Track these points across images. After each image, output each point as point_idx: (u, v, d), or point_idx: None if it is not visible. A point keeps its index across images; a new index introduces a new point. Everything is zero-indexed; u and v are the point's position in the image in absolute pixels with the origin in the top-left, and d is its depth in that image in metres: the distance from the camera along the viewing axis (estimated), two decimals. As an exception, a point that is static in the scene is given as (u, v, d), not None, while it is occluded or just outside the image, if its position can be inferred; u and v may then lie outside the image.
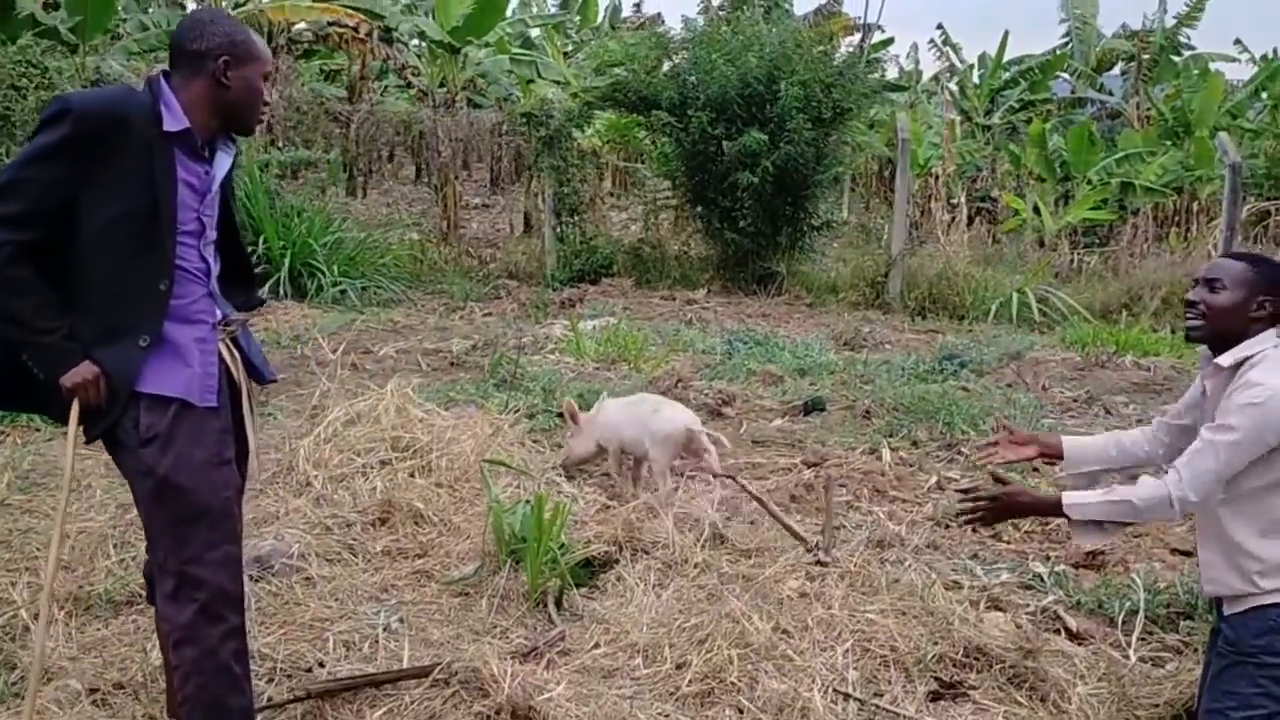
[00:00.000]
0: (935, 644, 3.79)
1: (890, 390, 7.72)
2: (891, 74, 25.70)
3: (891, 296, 12.33)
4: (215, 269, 3.08)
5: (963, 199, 16.07)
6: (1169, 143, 17.58)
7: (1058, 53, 22.20)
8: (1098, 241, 16.15)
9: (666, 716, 3.44)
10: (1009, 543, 5.18)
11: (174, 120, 2.88)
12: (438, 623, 4.04)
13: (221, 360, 3.05)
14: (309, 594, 4.15)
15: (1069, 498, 3.02)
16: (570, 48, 22.45)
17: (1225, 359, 2.95)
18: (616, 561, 4.47)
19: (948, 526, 5.35)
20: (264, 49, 3.04)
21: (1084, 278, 13.78)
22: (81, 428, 2.90)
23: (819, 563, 4.44)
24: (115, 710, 3.35)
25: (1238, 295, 2.95)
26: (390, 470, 5.17)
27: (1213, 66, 21.06)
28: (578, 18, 24.19)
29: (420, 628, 3.98)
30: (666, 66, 13.71)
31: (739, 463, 6.22)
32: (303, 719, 3.41)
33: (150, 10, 17.27)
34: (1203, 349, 3.09)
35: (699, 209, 13.56)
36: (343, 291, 11.17)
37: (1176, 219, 16.60)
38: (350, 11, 15.06)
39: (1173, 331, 10.47)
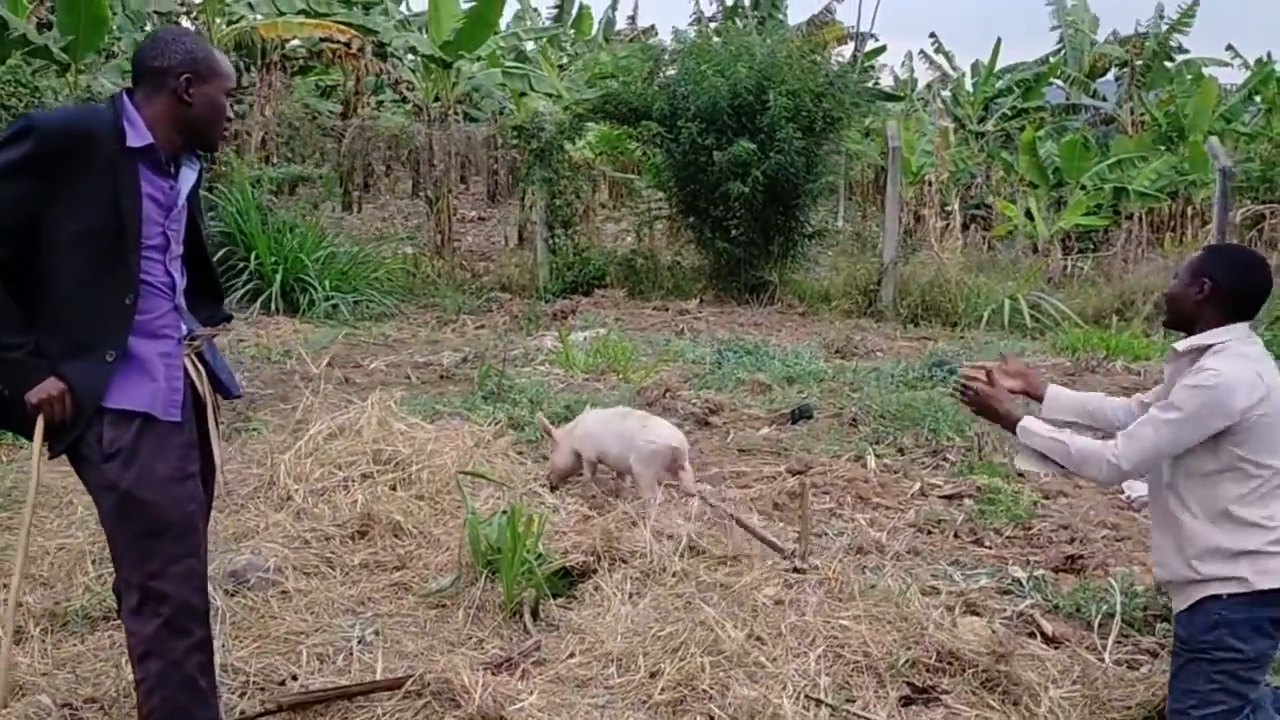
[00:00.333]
0: (908, 649, 3.79)
1: (878, 398, 7.72)
2: (886, 82, 25.78)
3: (884, 304, 12.36)
4: (181, 283, 3.10)
5: (956, 206, 16.10)
6: (1163, 148, 17.60)
7: (1051, 60, 22.26)
8: (1092, 247, 16.18)
9: (638, 725, 3.45)
10: (990, 548, 5.19)
11: (137, 136, 2.90)
12: (413, 635, 4.04)
13: (187, 375, 3.07)
14: (285, 607, 4.15)
15: (1026, 421, 3.26)
16: (565, 60, 22.53)
17: (1181, 344, 3.11)
18: (594, 571, 4.47)
19: (930, 533, 5.36)
20: (226, 66, 3.06)
21: (1076, 283, 13.81)
22: (46, 444, 2.92)
23: (796, 570, 4.45)
24: (85, 725, 3.36)
25: (1185, 279, 3.13)
26: (371, 483, 5.18)
27: (1206, 71, 21.10)
28: (572, 31, 24.28)
29: (395, 640, 3.99)
30: (659, 79, 13.77)
31: (723, 471, 6.23)
32: (275, 732, 3.41)
33: (146, 28, 17.32)
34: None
35: (691, 219, 13.60)
36: (335, 306, 11.20)
37: (1171, 224, 16.63)
38: (342, 27, 15.09)
39: (1165, 336, 10.47)
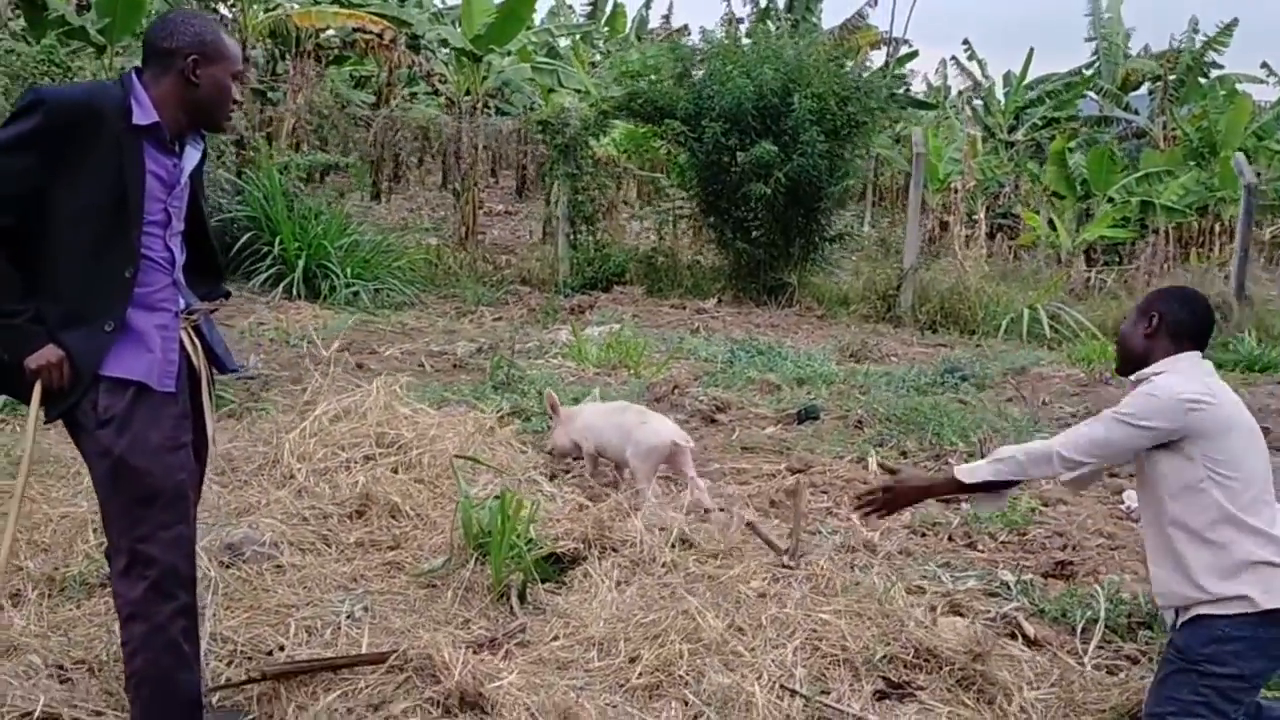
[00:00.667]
0: (886, 645, 3.83)
1: (886, 401, 7.74)
2: (919, 89, 25.73)
3: (903, 310, 12.34)
4: (180, 259, 3.18)
5: (982, 215, 16.06)
6: (1193, 163, 17.48)
7: (1084, 72, 22.14)
8: (1117, 260, 16.10)
9: (614, 707, 3.50)
10: (982, 552, 5.21)
11: (144, 114, 2.98)
12: (401, 612, 4.12)
13: (183, 348, 3.15)
14: (278, 581, 4.23)
15: (960, 469, 3.28)
16: (597, 58, 22.62)
17: (1134, 376, 3.23)
18: (585, 559, 4.53)
19: (924, 535, 5.39)
20: (233, 49, 3.14)
21: (1098, 296, 13.74)
22: (41, 409, 3.01)
23: (785, 566, 4.50)
24: (74, 686, 3.44)
25: (1134, 318, 3.29)
26: (373, 465, 5.26)
27: (1240, 88, 20.93)
28: (606, 29, 24.36)
29: (383, 616, 4.06)
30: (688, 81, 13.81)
31: (724, 467, 6.28)
32: (259, 700, 3.49)
33: (182, 13, 17.52)
34: None
35: (712, 219, 13.63)
36: (355, 293, 11.30)
37: (1199, 239, 16.51)
38: (375, 18, 15.24)
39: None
